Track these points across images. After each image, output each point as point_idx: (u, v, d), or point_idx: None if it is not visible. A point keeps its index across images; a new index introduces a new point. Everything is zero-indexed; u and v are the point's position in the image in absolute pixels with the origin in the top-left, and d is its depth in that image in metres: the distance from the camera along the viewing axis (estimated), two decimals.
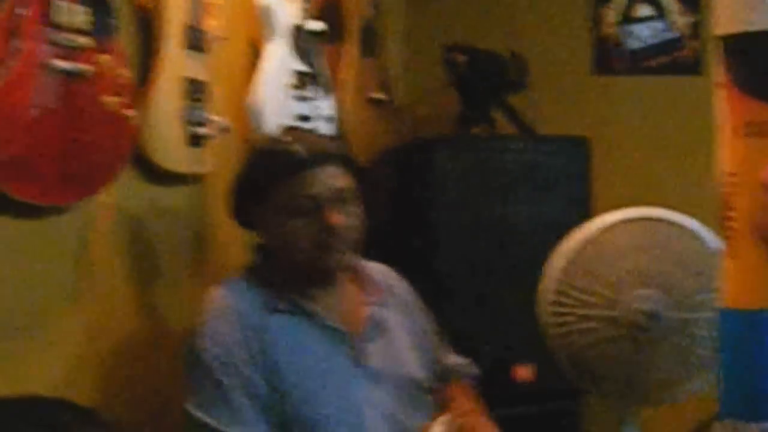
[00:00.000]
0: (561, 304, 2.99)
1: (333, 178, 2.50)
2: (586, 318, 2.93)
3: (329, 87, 3.32)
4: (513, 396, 3.59)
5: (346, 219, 2.50)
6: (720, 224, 2.70)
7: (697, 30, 3.99)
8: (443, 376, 2.80)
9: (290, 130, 2.73)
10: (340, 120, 3.45)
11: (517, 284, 3.41)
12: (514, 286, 3.58)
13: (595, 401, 3.78)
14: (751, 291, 2.58)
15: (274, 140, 2.62)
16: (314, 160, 2.48)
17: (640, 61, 4.15)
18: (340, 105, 3.47)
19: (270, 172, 2.50)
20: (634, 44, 4.14)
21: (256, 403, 2.42)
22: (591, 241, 3.02)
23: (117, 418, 2.58)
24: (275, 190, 2.49)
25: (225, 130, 2.92)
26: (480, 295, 3.68)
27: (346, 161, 2.58)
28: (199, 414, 2.40)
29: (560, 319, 2.98)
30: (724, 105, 2.74)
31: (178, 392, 2.53)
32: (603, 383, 3.12)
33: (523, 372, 3.59)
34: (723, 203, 2.70)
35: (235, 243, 3.03)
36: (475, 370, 2.89)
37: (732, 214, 2.64)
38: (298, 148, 2.49)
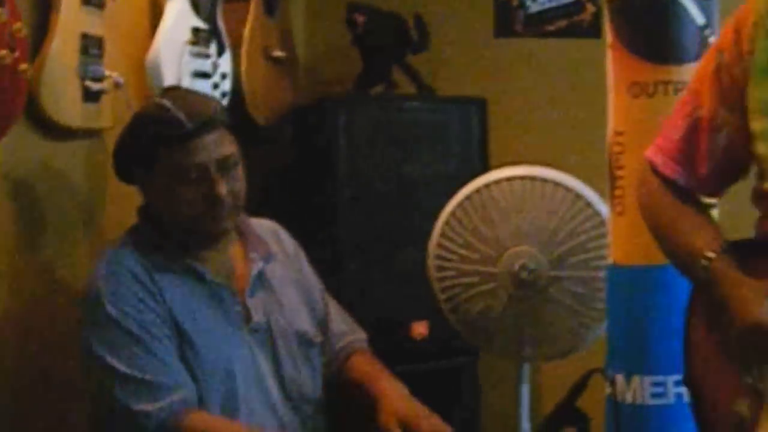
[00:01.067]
0: (443, 259, 3.07)
1: (218, 146, 2.52)
2: (467, 273, 3.01)
3: (228, 44, 3.34)
4: (411, 353, 3.67)
5: (231, 185, 2.53)
6: (609, 182, 2.81)
7: None
8: (338, 344, 2.83)
9: (170, 92, 2.71)
10: (240, 78, 3.47)
11: (415, 241, 3.48)
12: (412, 243, 3.62)
13: (491, 358, 3.83)
14: (638, 247, 2.69)
15: (155, 105, 2.58)
16: (199, 127, 2.48)
17: (540, 25, 4.21)
18: (241, 63, 3.49)
19: (156, 140, 2.49)
20: (534, 7, 4.20)
21: (175, 351, 2.47)
22: (473, 198, 3.12)
23: (9, 373, 2.61)
24: (161, 158, 2.50)
25: (120, 85, 2.91)
26: (379, 251, 3.75)
27: (228, 125, 2.59)
28: (129, 371, 2.42)
29: (442, 274, 3.06)
30: (613, 66, 2.85)
31: (73, 347, 2.56)
32: (489, 338, 3.21)
33: (419, 328, 3.67)
34: (612, 161, 2.80)
35: (131, 198, 3.03)
36: (363, 334, 2.91)
37: (620, 172, 2.74)
38: (181, 115, 2.47)
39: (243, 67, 3.49)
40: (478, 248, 3.12)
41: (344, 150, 3.71)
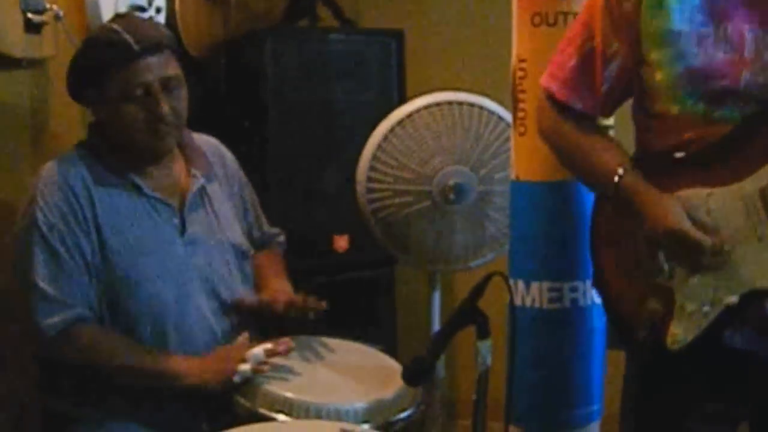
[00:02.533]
0: (376, 180, 3.19)
1: (163, 67, 2.64)
2: (401, 192, 3.11)
3: None
4: (333, 265, 3.86)
5: (175, 104, 2.66)
6: (513, 105, 3.00)
7: None
8: (259, 243, 3.02)
9: (121, 18, 2.81)
10: (174, 12, 3.58)
11: (337, 163, 3.69)
12: (334, 165, 3.83)
13: (406, 269, 4.04)
14: (538, 164, 2.90)
15: (107, 29, 2.67)
16: (145, 49, 2.60)
17: None
18: None
19: (104, 60, 2.60)
20: None
21: (85, 267, 2.60)
22: (403, 122, 3.22)
23: None
24: (109, 78, 2.60)
25: (60, 18, 3.04)
26: (304, 171, 3.90)
27: (173, 49, 2.72)
28: (33, 278, 2.56)
29: (375, 195, 3.18)
30: None
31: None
32: (414, 251, 3.35)
33: (340, 241, 3.83)
34: (515, 86, 2.99)
35: (72, 125, 3.17)
36: (282, 239, 3.10)
37: (522, 96, 2.94)
38: (129, 38, 2.59)
39: (177, 2, 3.61)
40: (413, 169, 3.24)
41: (272, 79, 3.84)
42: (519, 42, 2.99)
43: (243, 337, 2.71)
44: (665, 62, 2.32)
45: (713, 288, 2.26)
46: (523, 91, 2.93)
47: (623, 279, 2.44)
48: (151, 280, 2.65)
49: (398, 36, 4.10)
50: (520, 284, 2.96)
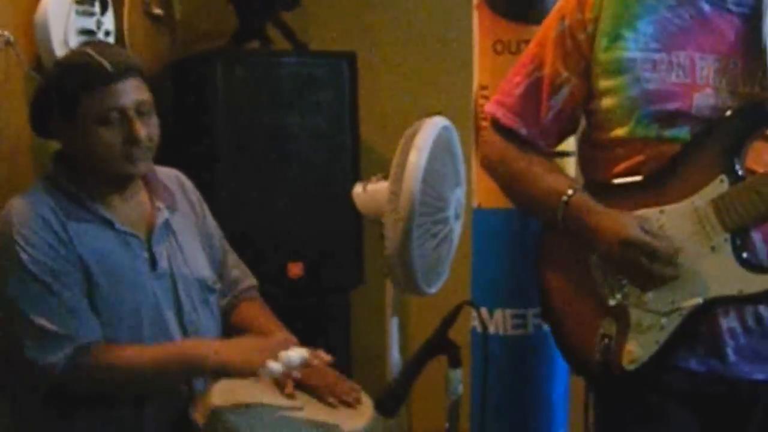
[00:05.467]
0: (424, 214, 2.74)
1: (136, 91, 2.59)
2: (438, 222, 2.84)
3: (111, 3, 3.41)
4: (289, 291, 3.82)
5: (149, 129, 2.61)
6: (474, 132, 2.99)
7: None
8: (231, 291, 2.94)
9: (91, 43, 2.77)
10: (121, 34, 3.53)
11: (291, 188, 3.63)
12: (287, 190, 3.80)
13: (359, 295, 4.06)
14: (498, 191, 2.87)
15: (79, 52, 2.63)
16: (119, 73, 2.55)
17: None
18: (122, 20, 3.55)
19: (78, 84, 2.54)
20: None
21: (81, 296, 2.52)
22: (433, 150, 2.87)
23: None
24: (83, 102, 2.54)
25: (10, 43, 2.99)
26: (256, 198, 3.86)
27: (142, 73, 2.66)
28: (28, 318, 2.48)
29: (420, 230, 2.73)
30: (479, 25, 3.03)
31: None
32: (425, 277, 2.89)
33: (295, 268, 3.80)
34: (477, 113, 2.99)
35: (22, 150, 3.11)
36: (254, 281, 3.02)
37: (484, 123, 2.93)
38: (103, 61, 2.54)
39: (125, 25, 3.56)
40: (445, 197, 2.80)
41: (221, 101, 3.81)
42: (481, 69, 3.00)
43: (284, 336, 2.66)
44: (620, 88, 2.34)
45: (670, 300, 2.28)
46: (485, 119, 2.92)
47: (574, 306, 2.45)
48: (132, 314, 2.59)
49: (350, 58, 4.07)
50: (484, 312, 2.97)
